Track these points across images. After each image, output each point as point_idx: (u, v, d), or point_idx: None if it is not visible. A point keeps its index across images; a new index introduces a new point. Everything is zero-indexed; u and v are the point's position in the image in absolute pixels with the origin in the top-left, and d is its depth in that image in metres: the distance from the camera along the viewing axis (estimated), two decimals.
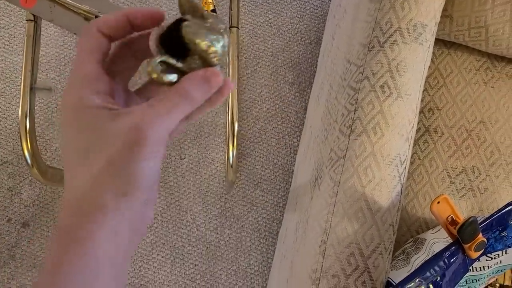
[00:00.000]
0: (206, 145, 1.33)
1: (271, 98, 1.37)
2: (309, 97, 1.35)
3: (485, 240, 0.59)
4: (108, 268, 0.30)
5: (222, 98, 0.33)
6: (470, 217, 0.57)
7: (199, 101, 0.31)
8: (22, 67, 0.73)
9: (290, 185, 1.30)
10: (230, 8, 0.74)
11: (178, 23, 0.28)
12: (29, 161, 0.73)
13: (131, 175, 0.29)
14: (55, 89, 1.31)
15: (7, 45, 1.33)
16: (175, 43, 0.28)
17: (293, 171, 1.31)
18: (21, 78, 1.34)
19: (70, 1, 0.69)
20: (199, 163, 1.32)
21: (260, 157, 1.34)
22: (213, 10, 0.72)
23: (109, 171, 0.29)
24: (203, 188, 1.31)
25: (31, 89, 0.72)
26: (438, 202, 0.59)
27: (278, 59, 1.39)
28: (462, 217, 0.60)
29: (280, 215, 1.32)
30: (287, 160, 1.35)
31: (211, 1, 0.71)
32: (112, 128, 0.30)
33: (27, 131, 0.71)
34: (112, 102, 0.31)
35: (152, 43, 0.29)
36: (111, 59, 0.33)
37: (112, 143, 0.29)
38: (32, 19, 0.72)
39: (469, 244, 0.58)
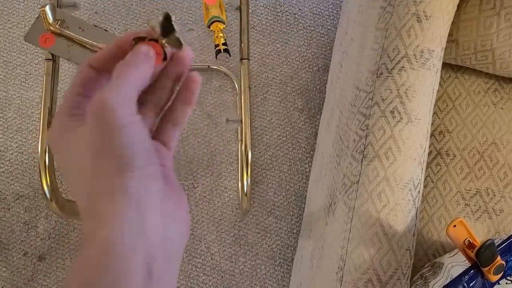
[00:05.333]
0: (219, 173, 1.34)
1: (281, 125, 1.39)
2: (319, 123, 1.36)
3: (504, 263, 0.59)
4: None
5: (192, 95, 0.36)
6: (488, 240, 0.57)
7: (140, 63, 0.32)
8: (41, 103, 0.76)
9: (304, 211, 1.30)
10: (241, 41, 0.76)
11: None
12: (48, 195, 0.75)
13: (117, 149, 0.29)
14: None
15: (23, 82, 1.37)
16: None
17: (305, 196, 1.32)
18: (37, 114, 1.38)
19: (87, 40, 0.72)
20: (212, 192, 1.33)
21: (272, 183, 1.35)
22: (224, 43, 0.74)
23: (98, 157, 0.29)
24: (217, 216, 1.32)
25: (50, 125, 0.74)
26: (454, 226, 0.59)
27: (287, 86, 1.41)
28: (479, 240, 0.60)
29: (295, 242, 1.31)
30: (299, 186, 1.35)
31: (222, 35, 0.73)
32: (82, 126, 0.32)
33: (46, 166, 0.73)
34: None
35: (156, 25, 0.33)
36: (143, 90, 0.34)
37: (87, 134, 0.30)
38: (51, 58, 0.75)
39: (488, 268, 0.58)
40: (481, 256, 0.57)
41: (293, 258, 1.29)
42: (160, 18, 0.34)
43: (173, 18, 0.34)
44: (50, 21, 0.72)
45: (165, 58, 0.34)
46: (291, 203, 1.34)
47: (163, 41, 0.34)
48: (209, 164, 1.34)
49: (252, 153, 1.36)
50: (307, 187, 1.33)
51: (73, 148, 0.32)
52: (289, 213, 1.33)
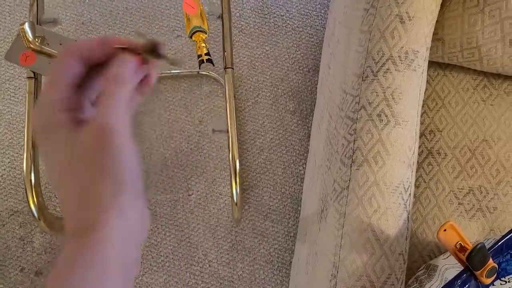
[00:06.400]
0: (213, 179, 1.33)
1: (274, 128, 1.38)
2: (311, 124, 1.36)
3: (496, 265, 0.58)
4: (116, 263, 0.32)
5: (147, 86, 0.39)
6: (478, 244, 0.56)
7: (129, 80, 0.35)
8: (25, 122, 0.75)
9: (300, 214, 1.29)
10: (224, 50, 0.75)
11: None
12: (35, 214, 0.74)
13: (117, 173, 0.32)
14: None
15: (13, 96, 1.37)
16: None
17: (301, 199, 1.31)
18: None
19: None
20: (207, 198, 1.32)
21: (267, 187, 1.34)
22: (207, 53, 0.73)
23: (97, 174, 0.32)
24: (213, 223, 1.31)
25: (34, 144, 0.73)
26: (445, 230, 0.59)
27: (278, 89, 1.41)
28: (470, 242, 0.59)
29: (292, 245, 1.30)
30: (294, 188, 1.34)
31: (204, 45, 0.72)
32: (80, 136, 0.33)
33: (33, 186, 0.72)
34: (77, 115, 0.35)
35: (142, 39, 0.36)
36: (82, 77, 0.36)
37: (86, 148, 0.32)
38: (32, 76, 0.74)
39: (480, 271, 0.57)
40: (472, 261, 0.56)
41: (291, 262, 1.29)
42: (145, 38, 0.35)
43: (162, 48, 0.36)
44: (30, 39, 0.71)
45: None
46: (287, 206, 1.33)
47: (145, 55, 0.36)
48: (203, 171, 1.33)
49: (245, 158, 1.36)
50: (302, 189, 1.32)
51: (63, 154, 0.33)
52: (285, 216, 1.32)
